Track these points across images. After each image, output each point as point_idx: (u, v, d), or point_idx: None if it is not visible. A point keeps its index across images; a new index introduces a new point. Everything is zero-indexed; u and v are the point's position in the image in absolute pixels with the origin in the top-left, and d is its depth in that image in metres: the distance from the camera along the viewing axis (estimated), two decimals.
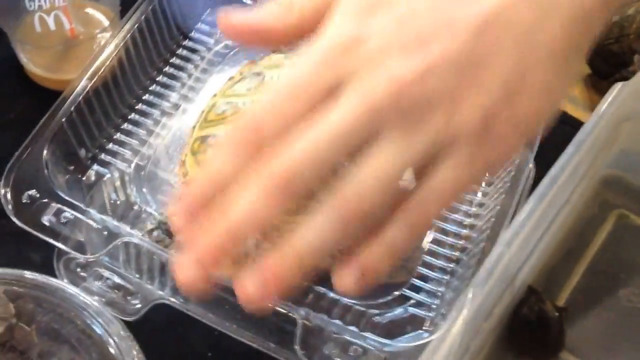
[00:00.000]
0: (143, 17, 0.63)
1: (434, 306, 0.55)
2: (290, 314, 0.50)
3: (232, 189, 0.35)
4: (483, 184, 0.60)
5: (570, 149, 0.52)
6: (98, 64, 0.60)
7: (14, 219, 0.53)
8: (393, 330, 0.53)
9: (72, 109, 0.58)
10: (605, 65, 0.72)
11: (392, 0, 0.36)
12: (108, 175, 0.61)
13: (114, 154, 0.62)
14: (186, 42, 0.68)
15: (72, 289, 0.52)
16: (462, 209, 0.59)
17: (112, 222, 0.53)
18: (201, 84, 0.66)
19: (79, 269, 0.59)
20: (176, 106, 0.65)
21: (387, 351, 0.49)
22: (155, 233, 0.56)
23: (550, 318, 0.56)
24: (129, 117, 0.64)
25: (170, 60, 0.67)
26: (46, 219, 0.53)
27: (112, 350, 0.51)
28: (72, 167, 0.59)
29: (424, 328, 0.53)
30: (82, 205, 0.54)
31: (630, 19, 0.71)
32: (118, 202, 0.60)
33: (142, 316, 0.57)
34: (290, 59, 0.47)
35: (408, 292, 0.55)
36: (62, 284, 0.53)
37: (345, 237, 0.36)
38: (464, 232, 0.58)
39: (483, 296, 0.47)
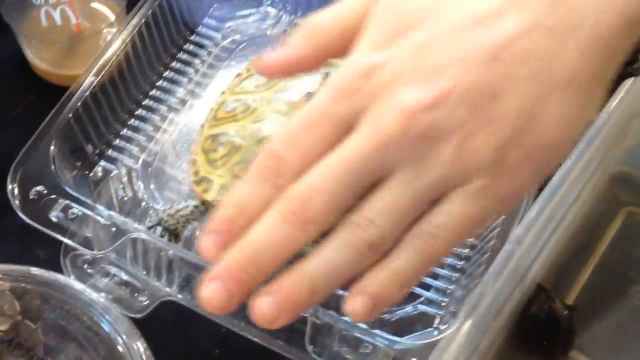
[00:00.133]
0: (149, 12, 0.63)
1: (444, 304, 0.55)
2: None
3: (254, 214, 0.36)
4: None
5: (580, 145, 0.51)
6: (105, 60, 0.60)
7: (21, 215, 0.52)
8: (403, 327, 0.53)
9: (78, 104, 0.57)
10: None
11: (417, 27, 0.36)
12: (115, 172, 0.61)
13: (121, 149, 0.62)
14: (193, 37, 0.68)
15: (79, 286, 0.52)
16: None
17: (120, 218, 0.53)
18: (208, 79, 0.66)
19: (86, 266, 0.59)
20: (183, 102, 0.65)
21: (397, 349, 0.49)
22: (153, 230, 0.56)
23: (560, 316, 0.55)
24: (136, 112, 0.63)
25: (177, 56, 0.67)
26: (54, 215, 0.53)
27: (119, 348, 0.51)
28: (79, 163, 0.59)
29: (433, 326, 0.53)
30: (89, 201, 0.54)
31: None
32: (125, 199, 0.60)
33: (150, 313, 0.57)
34: None
35: (418, 290, 0.55)
36: (69, 280, 0.53)
37: (359, 265, 0.36)
38: None
39: (493, 294, 0.46)
